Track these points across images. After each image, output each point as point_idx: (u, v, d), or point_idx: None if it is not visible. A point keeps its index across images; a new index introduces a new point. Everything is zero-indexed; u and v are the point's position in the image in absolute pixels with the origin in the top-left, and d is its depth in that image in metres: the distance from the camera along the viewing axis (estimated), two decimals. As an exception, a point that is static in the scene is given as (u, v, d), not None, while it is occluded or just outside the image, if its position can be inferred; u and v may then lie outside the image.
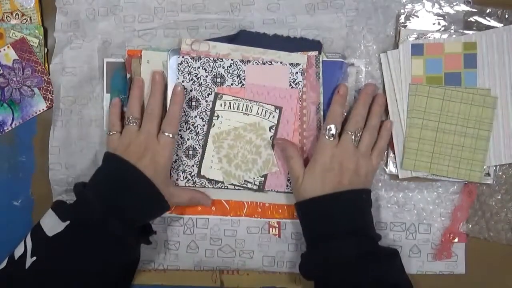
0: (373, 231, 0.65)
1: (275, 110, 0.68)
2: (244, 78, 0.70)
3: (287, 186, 0.70)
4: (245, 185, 0.69)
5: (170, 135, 0.65)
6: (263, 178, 0.70)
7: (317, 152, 0.65)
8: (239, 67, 0.70)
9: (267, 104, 0.68)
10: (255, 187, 0.69)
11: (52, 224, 0.62)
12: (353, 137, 0.65)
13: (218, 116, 0.68)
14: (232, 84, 0.70)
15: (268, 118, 0.69)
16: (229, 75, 0.70)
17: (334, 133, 0.65)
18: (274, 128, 0.69)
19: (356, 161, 0.65)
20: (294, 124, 0.70)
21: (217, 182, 0.70)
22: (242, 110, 0.68)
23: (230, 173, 0.69)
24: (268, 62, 0.70)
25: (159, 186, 0.63)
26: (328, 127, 0.65)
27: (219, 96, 0.68)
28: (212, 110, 0.68)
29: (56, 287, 0.60)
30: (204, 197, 0.70)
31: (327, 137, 0.65)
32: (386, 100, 0.71)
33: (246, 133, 0.68)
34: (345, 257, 0.61)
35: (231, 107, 0.68)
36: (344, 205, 0.63)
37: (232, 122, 0.68)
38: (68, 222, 0.61)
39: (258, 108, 0.68)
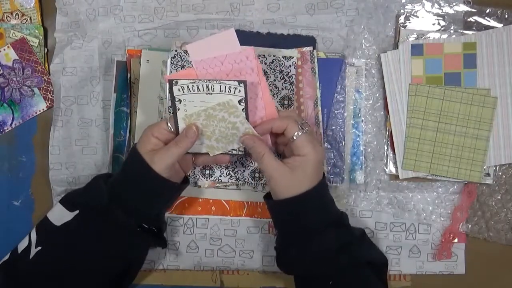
0: (341, 215, 0.65)
1: (239, 84, 0.61)
2: None
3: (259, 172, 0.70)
4: (230, 153, 0.66)
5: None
6: None
7: (307, 148, 0.60)
8: None
9: (228, 80, 0.62)
10: (240, 153, 0.66)
11: (60, 216, 0.63)
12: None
13: (180, 101, 0.63)
14: None
15: (234, 93, 0.62)
16: None
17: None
18: (243, 101, 0.62)
19: (323, 152, 0.63)
20: (261, 84, 0.64)
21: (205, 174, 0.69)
22: (203, 90, 0.62)
23: (213, 146, 0.65)
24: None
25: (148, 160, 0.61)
26: (300, 123, 0.61)
27: (174, 82, 0.62)
28: (172, 97, 0.62)
29: (58, 274, 0.61)
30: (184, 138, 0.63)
31: (305, 130, 0.61)
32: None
33: (217, 113, 0.63)
34: (325, 250, 0.61)
35: (190, 89, 0.62)
36: (319, 200, 0.62)
37: (196, 103, 0.63)
38: (76, 212, 0.62)
39: (220, 86, 0.61)
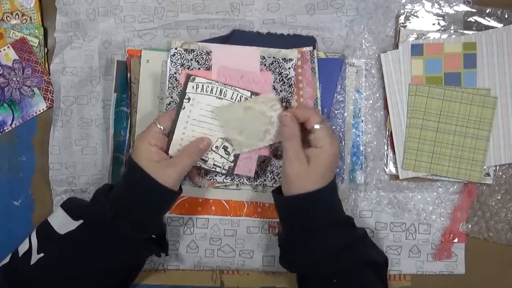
0: (347, 216, 0.65)
1: (251, 96, 0.64)
2: None
3: (256, 172, 0.68)
4: (213, 169, 0.67)
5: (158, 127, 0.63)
6: (232, 164, 0.67)
7: (324, 140, 0.60)
8: None
9: (242, 89, 0.63)
10: (224, 171, 0.67)
11: (62, 223, 0.62)
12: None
13: (189, 99, 0.63)
14: None
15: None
16: None
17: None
18: None
19: (338, 147, 0.63)
20: None
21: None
22: (215, 94, 0.63)
23: (241, 142, 0.65)
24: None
25: (153, 174, 0.61)
26: (320, 119, 0.61)
27: (191, 78, 0.62)
28: (183, 92, 0.63)
29: (60, 282, 0.61)
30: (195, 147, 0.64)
31: (324, 126, 0.61)
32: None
33: (256, 105, 0.63)
34: (329, 250, 0.61)
35: (204, 90, 0.63)
36: (330, 199, 0.62)
37: (203, 106, 0.64)
38: (81, 221, 0.62)
39: (233, 93, 0.63)
